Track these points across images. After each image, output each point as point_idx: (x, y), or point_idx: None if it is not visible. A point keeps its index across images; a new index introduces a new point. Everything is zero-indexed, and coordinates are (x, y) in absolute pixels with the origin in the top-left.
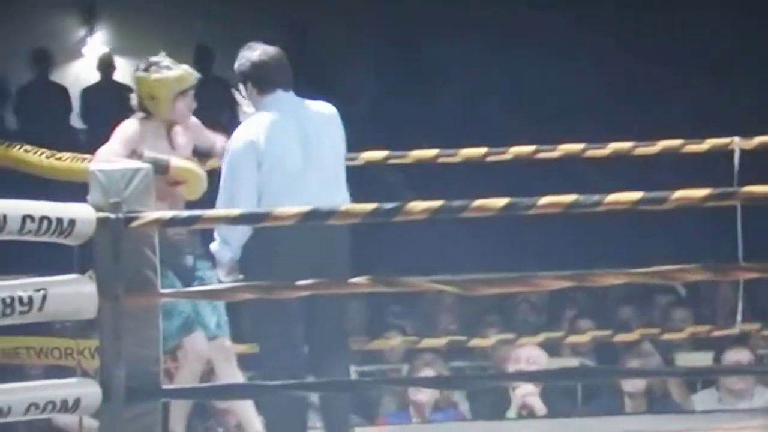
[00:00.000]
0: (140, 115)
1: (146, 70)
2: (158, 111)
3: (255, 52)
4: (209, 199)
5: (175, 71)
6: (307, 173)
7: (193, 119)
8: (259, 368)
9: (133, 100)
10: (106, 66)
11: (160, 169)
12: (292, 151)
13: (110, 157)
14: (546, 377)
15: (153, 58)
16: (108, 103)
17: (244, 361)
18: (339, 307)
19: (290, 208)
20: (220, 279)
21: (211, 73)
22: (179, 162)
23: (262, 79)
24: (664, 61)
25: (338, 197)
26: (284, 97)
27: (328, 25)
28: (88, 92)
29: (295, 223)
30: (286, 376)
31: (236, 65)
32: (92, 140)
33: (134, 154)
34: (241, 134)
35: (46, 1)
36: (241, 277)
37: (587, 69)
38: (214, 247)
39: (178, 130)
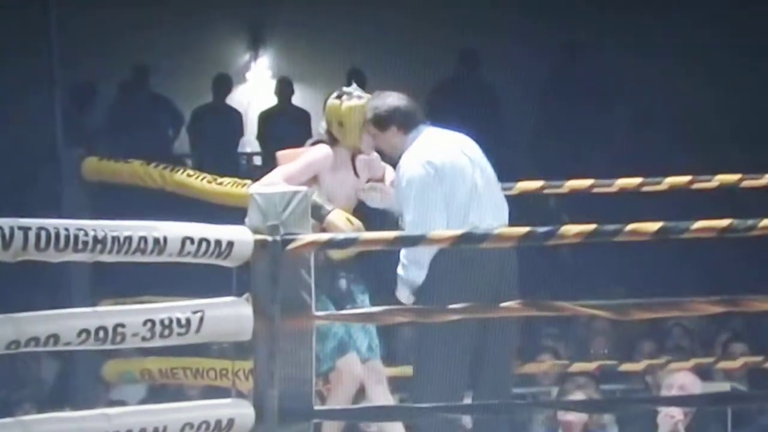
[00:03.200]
0: (327, 142)
1: (338, 98)
2: (346, 139)
3: (390, 97)
4: None
5: (365, 100)
6: (480, 184)
7: (374, 153)
8: (415, 390)
9: (321, 128)
10: (284, 90)
11: (317, 215)
12: (465, 162)
13: (276, 180)
14: (696, 402)
15: (345, 88)
16: (286, 128)
17: (395, 384)
18: (511, 333)
19: (444, 231)
20: (402, 301)
21: None
22: (337, 219)
23: (408, 119)
24: None
25: (506, 213)
26: (427, 128)
27: (499, 51)
28: (265, 116)
29: (449, 246)
30: (442, 400)
31: (372, 114)
32: (268, 164)
33: (315, 180)
34: (415, 158)
35: (217, 27)
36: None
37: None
38: (401, 270)
39: (361, 159)
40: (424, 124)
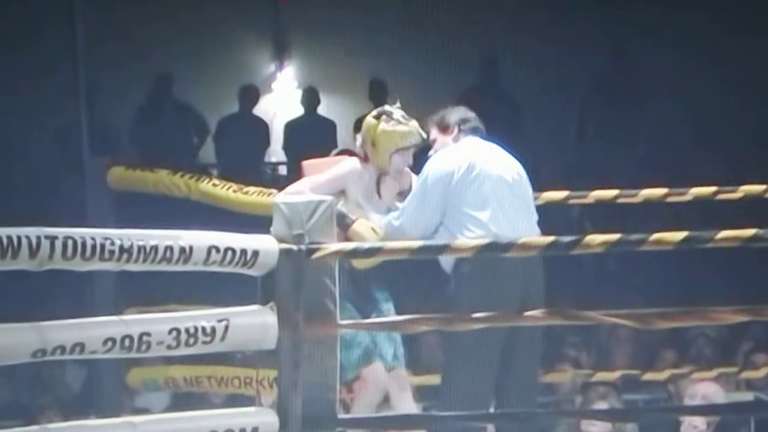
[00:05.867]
0: (361, 157)
1: (377, 117)
2: (375, 159)
3: (460, 109)
4: None
5: (402, 127)
6: (511, 194)
7: (406, 170)
8: (441, 398)
9: (358, 141)
10: (310, 100)
11: (342, 224)
12: (497, 165)
13: (302, 189)
14: (719, 411)
15: (387, 108)
16: (312, 137)
17: (419, 393)
18: (536, 341)
19: (468, 240)
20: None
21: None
22: (361, 228)
23: (466, 125)
24: None
25: (534, 225)
26: (479, 139)
27: (518, 59)
28: (291, 126)
29: (475, 254)
30: (468, 408)
31: (439, 117)
32: (293, 173)
33: (342, 193)
34: (443, 155)
35: (242, 38)
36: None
37: None
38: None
39: (387, 180)
40: (480, 137)
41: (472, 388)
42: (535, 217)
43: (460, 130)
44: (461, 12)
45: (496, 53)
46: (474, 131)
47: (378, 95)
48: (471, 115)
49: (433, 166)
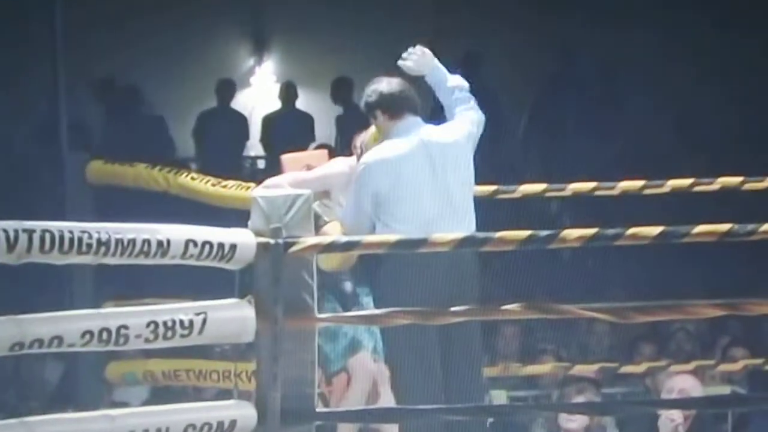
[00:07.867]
0: (353, 158)
1: None
2: None
3: (381, 83)
4: None
5: None
6: (434, 197)
7: None
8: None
9: (357, 143)
10: (288, 94)
11: (315, 225)
12: (420, 174)
13: (281, 182)
14: (697, 404)
15: None
16: (290, 131)
17: None
18: (471, 335)
19: (446, 234)
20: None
21: (351, 102)
22: (333, 231)
23: (392, 106)
24: None
25: (464, 223)
26: (413, 122)
27: (501, 55)
28: (269, 120)
29: (451, 249)
30: (422, 401)
31: (364, 100)
32: (271, 167)
33: (324, 194)
34: (369, 159)
35: (221, 32)
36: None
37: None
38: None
39: None
40: (412, 115)
41: (420, 383)
42: (472, 215)
43: (386, 112)
44: (442, 9)
45: (475, 50)
46: (414, 111)
47: (342, 94)
48: (412, 92)
49: (363, 174)
